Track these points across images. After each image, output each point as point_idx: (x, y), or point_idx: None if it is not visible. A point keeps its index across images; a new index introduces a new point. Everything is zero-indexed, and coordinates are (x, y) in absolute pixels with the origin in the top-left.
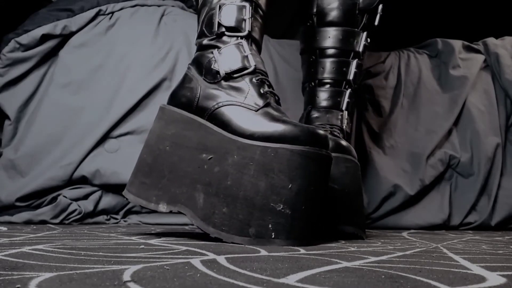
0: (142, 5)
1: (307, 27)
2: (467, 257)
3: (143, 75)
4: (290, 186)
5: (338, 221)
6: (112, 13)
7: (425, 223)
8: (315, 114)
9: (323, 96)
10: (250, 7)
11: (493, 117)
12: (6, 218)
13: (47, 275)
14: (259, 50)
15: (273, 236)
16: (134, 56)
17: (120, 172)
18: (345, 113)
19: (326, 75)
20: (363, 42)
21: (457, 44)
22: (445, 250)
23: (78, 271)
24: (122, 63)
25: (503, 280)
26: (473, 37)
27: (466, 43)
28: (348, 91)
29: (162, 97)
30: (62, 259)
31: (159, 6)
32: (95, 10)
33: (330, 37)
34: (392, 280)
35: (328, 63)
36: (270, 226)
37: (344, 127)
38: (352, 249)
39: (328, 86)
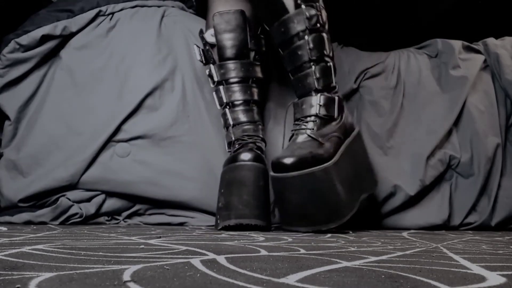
0: (142, 6)
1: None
2: (467, 257)
3: (145, 76)
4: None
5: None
6: (112, 14)
7: (425, 223)
8: (293, 110)
9: (294, 86)
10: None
11: (493, 117)
12: (6, 218)
13: (47, 275)
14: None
15: None
16: (136, 57)
17: (131, 177)
18: (314, 97)
19: (288, 66)
20: (302, 19)
21: (457, 44)
22: (445, 250)
23: (78, 271)
24: (123, 65)
25: (503, 280)
26: (473, 37)
27: (466, 43)
28: (312, 68)
29: (167, 99)
30: (62, 259)
31: (159, 6)
32: (95, 11)
33: (276, 34)
34: (392, 280)
35: (286, 56)
36: None
37: (316, 112)
38: (352, 249)
39: (292, 75)
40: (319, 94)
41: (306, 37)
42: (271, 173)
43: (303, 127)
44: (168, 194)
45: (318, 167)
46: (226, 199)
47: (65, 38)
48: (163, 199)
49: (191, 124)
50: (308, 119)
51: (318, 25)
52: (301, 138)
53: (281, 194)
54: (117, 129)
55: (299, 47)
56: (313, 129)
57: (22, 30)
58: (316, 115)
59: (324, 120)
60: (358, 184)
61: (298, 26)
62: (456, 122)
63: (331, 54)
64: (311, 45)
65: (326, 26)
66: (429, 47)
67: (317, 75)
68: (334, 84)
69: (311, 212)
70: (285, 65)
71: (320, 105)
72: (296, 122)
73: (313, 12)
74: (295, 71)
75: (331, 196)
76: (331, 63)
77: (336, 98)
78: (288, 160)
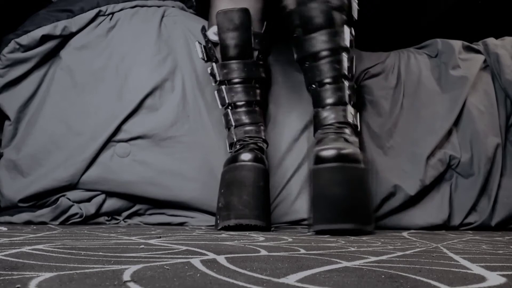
0: (142, 6)
1: (295, 38)
2: (467, 257)
3: (144, 76)
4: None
5: (340, 220)
6: (112, 14)
7: (425, 223)
8: (323, 115)
9: (325, 95)
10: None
11: (493, 117)
12: (6, 218)
13: (47, 275)
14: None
15: None
16: (135, 57)
17: (131, 177)
18: (348, 106)
19: (323, 76)
20: (347, 36)
21: (457, 44)
22: (445, 250)
23: (78, 271)
24: (123, 65)
25: (503, 280)
26: (473, 37)
27: (466, 43)
28: (346, 84)
29: (167, 99)
30: (62, 259)
31: (159, 6)
32: (95, 11)
33: (316, 42)
34: (392, 280)
35: (321, 65)
36: None
37: (350, 120)
38: (352, 249)
39: (327, 85)
40: (348, 105)
41: (344, 53)
42: (314, 166)
43: (338, 131)
44: (168, 194)
45: (361, 165)
46: (226, 199)
47: (65, 38)
48: (163, 199)
49: (191, 124)
50: (343, 125)
51: (350, 46)
52: (337, 138)
53: (324, 188)
54: (117, 129)
55: (336, 61)
56: (349, 135)
57: (22, 30)
58: (349, 123)
59: (355, 131)
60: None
61: (341, 41)
62: (456, 122)
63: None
64: (347, 63)
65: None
66: (429, 47)
67: (348, 91)
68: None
69: (357, 207)
70: (312, 75)
71: (352, 114)
72: (327, 126)
73: (350, 36)
74: (324, 84)
75: (369, 196)
76: (354, 84)
77: (357, 112)
78: (330, 152)
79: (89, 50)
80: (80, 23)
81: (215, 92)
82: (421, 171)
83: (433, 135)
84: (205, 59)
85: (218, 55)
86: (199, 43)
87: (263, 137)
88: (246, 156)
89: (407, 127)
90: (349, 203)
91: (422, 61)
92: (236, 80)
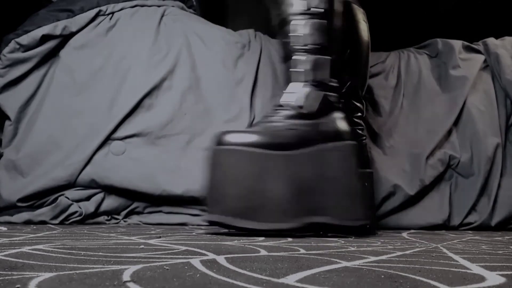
0: (142, 6)
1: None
2: (466, 257)
3: (143, 75)
4: None
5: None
6: (112, 13)
7: (425, 223)
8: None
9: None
10: None
11: (493, 117)
12: (6, 218)
13: (47, 275)
14: None
15: None
16: (135, 56)
17: (126, 174)
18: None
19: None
20: None
21: (457, 44)
22: (444, 250)
23: (77, 271)
24: (122, 64)
25: (502, 280)
26: (473, 37)
27: (466, 43)
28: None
29: (164, 97)
30: (62, 259)
31: (159, 6)
32: (95, 10)
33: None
34: (392, 280)
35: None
36: None
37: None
38: (352, 249)
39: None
40: (302, 83)
41: (303, 21)
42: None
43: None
44: (162, 189)
45: (258, 149)
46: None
47: (65, 38)
48: (158, 195)
49: (188, 122)
50: (280, 107)
51: (323, 9)
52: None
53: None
54: (115, 129)
55: (294, 31)
56: (279, 117)
57: (22, 30)
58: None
59: (299, 114)
60: (312, 201)
61: (297, 6)
62: (456, 122)
63: (335, 48)
64: (307, 31)
65: (335, 13)
66: (429, 47)
67: (308, 66)
68: (330, 82)
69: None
70: (279, 51)
71: (299, 94)
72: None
73: None
74: (286, 59)
75: (264, 193)
76: (330, 58)
77: (322, 93)
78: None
79: (89, 49)
80: (80, 23)
81: None
82: (421, 171)
83: (433, 135)
84: None
85: None
86: None
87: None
88: None
89: (407, 127)
90: (218, 190)
91: (422, 61)
92: None
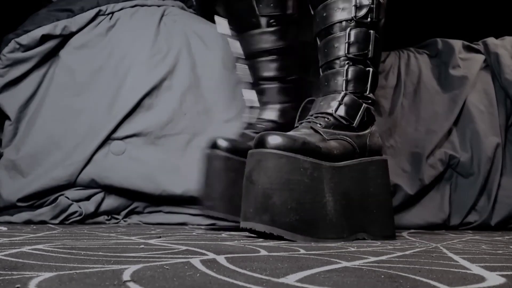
0: (142, 5)
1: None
2: (466, 257)
3: (143, 75)
4: None
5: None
6: (112, 13)
7: (425, 223)
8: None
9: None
10: None
11: (493, 117)
12: (6, 218)
13: (47, 275)
14: None
15: None
16: (135, 56)
17: (126, 174)
18: (337, 95)
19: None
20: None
21: (457, 44)
22: (444, 250)
23: (78, 271)
24: (122, 64)
25: (502, 280)
26: (473, 37)
27: (466, 43)
28: (345, 68)
29: (164, 97)
30: (62, 259)
31: (159, 6)
32: (95, 10)
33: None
34: (392, 280)
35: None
36: None
37: (332, 112)
38: (352, 249)
39: (325, 71)
40: (343, 92)
41: (348, 29)
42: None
43: (309, 121)
44: (162, 189)
45: (307, 157)
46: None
47: (65, 38)
48: (158, 195)
49: (188, 122)
50: (320, 115)
51: (369, 19)
52: (301, 129)
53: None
54: (115, 129)
55: (337, 39)
56: (320, 124)
57: (22, 30)
58: (331, 114)
59: (340, 125)
60: (357, 217)
61: (342, 13)
62: (456, 122)
63: (375, 60)
64: (352, 39)
65: (381, 24)
66: (429, 47)
67: (349, 76)
68: (368, 94)
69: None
70: (319, 58)
71: (340, 103)
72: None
73: (366, 1)
74: (326, 68)
75: (318, 206)
76: (371, 70)
77: (364, 105)
78: (270, 137)
79: (89, 49)
80: (80, 23)
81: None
82: (420, 171)
83: (433, 135)
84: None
85: None
86: None
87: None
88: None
89: (407, 127)
90: (264, 197)
91: (422, 60)
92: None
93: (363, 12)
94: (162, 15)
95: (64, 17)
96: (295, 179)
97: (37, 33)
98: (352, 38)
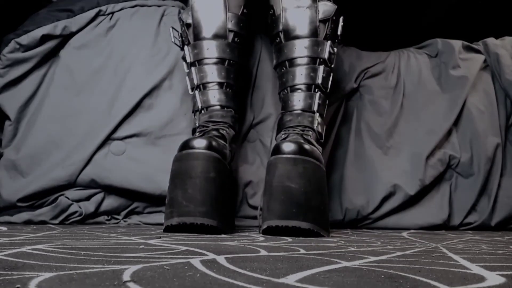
0: (142, 6)
1: (276, 44)
2: (466, 257)
3: (143, 75)
4: None
5: (293, 217)
6: (112, 13)
7: (425, 223)
8: (288, 118)
9: (294, 100)
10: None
11: (493, 117)
12: (6, 218)
13: (47, 275)
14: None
15: None
16: (135, 56)
17: (126, 174)
18: (317, 114)
19: (296, 81)
20: (327, 50)
21: (457, 44)
22: (444, 250)
23: (78, 271)
24: (122, 64)
25: (502, 280)
26: (473, 37)
27: (466, 43)
28: (317, 94)
29: (164, 97)
30: (62, 259)
31: (159, 6)
32: (95, 10)
33: (296, 48)
34: (392, 280)
35: (297, 71)
36: None
37: (315, 127)
38: (352, 249)
39: (299, 91)
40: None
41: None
42: (272, 157)
43: (301, 132)
44: (162, 189)
45: (322, 165)
46: (170, 195)
47: (65, 38)
48: (158, 195)
49: (188, 122)
50: (307, 129)
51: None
52: (298, 137)
53: (279, 179)
54: (115, 129)
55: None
56: (313, 139)
57: (22, 30)
58: (314, 130)
59: (318, 140)
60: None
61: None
62: (456, 122)
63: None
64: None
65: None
66: (429, 47)
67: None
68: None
69: (314, 205)
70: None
71: (320, 124)
72: (291, 128)
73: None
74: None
75: (327, 200)
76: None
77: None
78: (290, 144)
79: (89, 49)
80: (80, 23)
81: (186, 77)
82: (421, 171)
83: (433, 135)
84: (180, 46)
85: (190, 36)
86: (174, 28)
87: (230, 123)
88: (197, 143)
89: (407, 127)
90: (306, 199)
91: (422, 61)
92: (207, 61)
93: (327, 55)
94: (162, 15)
95: (64, 17)
96: (323, 185)
97: (37, 33)
98: (323, 73)
